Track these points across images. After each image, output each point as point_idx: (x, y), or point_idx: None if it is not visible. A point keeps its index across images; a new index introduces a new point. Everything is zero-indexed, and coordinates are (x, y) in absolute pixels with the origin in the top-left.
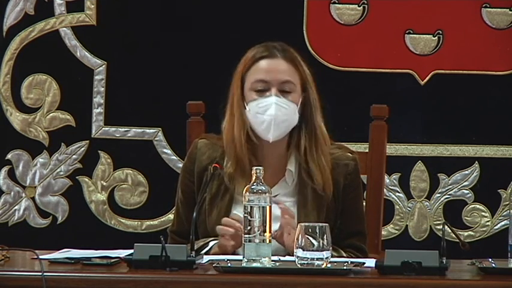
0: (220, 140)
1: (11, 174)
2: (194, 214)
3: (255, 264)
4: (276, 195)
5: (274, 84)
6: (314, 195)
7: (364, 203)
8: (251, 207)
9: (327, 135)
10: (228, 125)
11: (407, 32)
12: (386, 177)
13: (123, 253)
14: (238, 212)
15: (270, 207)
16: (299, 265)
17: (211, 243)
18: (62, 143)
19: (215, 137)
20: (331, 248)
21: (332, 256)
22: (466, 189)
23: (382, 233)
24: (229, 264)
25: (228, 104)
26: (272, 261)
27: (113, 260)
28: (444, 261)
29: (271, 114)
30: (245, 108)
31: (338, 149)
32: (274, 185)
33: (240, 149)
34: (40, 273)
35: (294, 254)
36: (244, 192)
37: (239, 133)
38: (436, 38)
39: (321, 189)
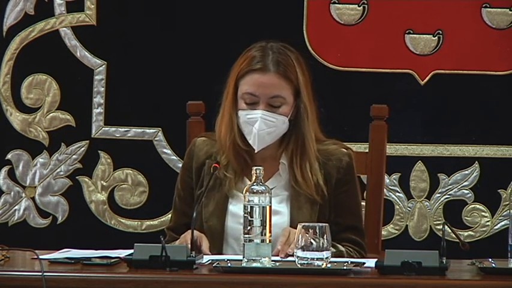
0: None
1: (11, 174)
2: (194, 214)
3: (255, 264)
4: (272, 188)
5: (263, 99)
6: None
7: (361, 201)
8: (251, 207)
9: (314, 143)
10: (220, 122)
11: (407, 32)
12: (386, 177)
13: (123, 253)
14: (232, 206)
15: (270, 207)
16: (299, 265)
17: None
18: (62, 143)
19: (213, 135)
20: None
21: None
22: (466, 189)
23: (382, 233)
24: (229, 264)
25: (223, 100)
26: (272, 261)
27: (113, 260)
28: (444, 261)
29: (255, 128)
30: (236, 113)
31: (333, 145)
32: (269, 178)
33: (228, 147)
34: (40, 273)
35: (294, 254)
36: (244, 192)
37: (226, 133)
38: (436, 38)
39: (310, 194)
